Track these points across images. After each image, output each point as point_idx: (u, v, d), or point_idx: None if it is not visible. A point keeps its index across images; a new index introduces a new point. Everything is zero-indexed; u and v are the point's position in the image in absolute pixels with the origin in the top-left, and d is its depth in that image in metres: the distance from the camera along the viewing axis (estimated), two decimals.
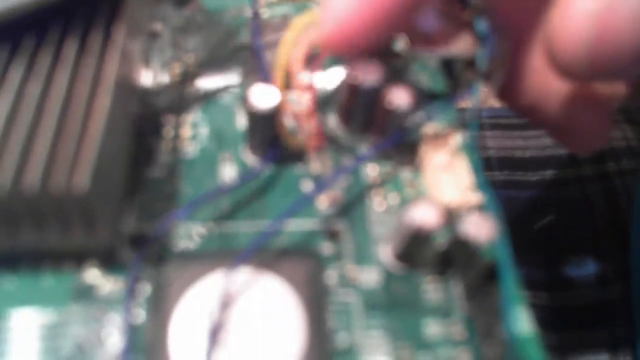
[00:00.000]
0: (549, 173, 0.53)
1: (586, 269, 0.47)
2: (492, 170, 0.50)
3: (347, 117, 0.28)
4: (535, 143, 0.54)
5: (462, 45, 0.29)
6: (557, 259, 0.46)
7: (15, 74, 0.21)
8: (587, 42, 0.18)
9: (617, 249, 0.45)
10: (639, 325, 0.41)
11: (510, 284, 0.21)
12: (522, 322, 0.23)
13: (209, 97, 0.30)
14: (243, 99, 0.30)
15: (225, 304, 0.21)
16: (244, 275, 0.22)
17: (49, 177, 0.19)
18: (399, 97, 0.26)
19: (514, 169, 0.51)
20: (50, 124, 0.20)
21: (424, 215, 0.22)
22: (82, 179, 0.19)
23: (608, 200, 0.48)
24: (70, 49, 0.23)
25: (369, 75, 0.26)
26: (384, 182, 0.27)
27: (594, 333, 0.45)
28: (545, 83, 0.28)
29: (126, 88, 0.25)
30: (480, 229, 0.22)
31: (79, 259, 0.22)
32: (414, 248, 0.23)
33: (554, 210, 0.50)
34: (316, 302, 0.22)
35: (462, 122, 0.30)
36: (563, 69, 0.20)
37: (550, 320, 0.47)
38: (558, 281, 0.46)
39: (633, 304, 0.42)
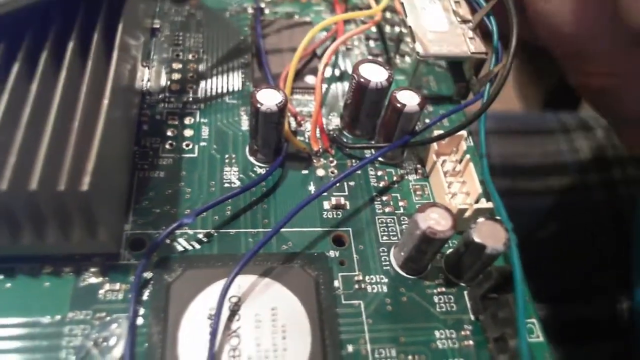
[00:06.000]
0: (552, 180, 0.52)
1: (585, 280, 0.47)
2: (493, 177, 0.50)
3: (353, 119, 0.28)
4: (539, 150, 0.53)
5: (471, 48, 0.29)
6: (560, 270, 0.46)
7: (16, 72, 0.20)
8: None
9: (621, 260, 0.44)
10: None
11: (524, 293, 0.20)
12: (534, 332, 0.22)
13: (210, 98, 0.29)
14: (249, 100, 0.29)
15: (232, 311, 0.21)
16: (250, 282, 0.21)
17: (50, 174, 0.18)
18: (408, 99, 0.25)
19: (516, 176, 0.50)
20: (51, 122, 0.19)
21: (436, 220, 0.21)
22: (84, 176, 0.18)
23: (613, 209, 0.48)
24: (70, 46, 0.22)
25: (377, 75, 0.26)
26: (391, 187, 0.27)
27: (596, 346, 0.44)
28: None
29: (126, 86, 0.24)
30: (493, 236, 0.21)
31: (80, 261, 0.21)
32: (424, 254, 0.22)
33: (557, 219, 0.49)
34: (323, 310, 0.21)
35: (470, 127, 0.29)
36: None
37: (551, 333, 0.46)
38: (560, 293, 0.46)
39: (635, 316, 0.42)
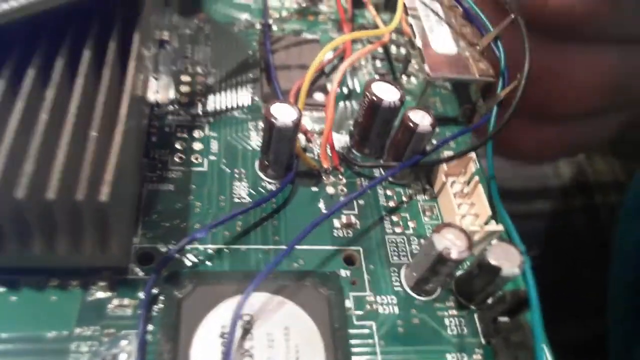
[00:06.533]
0: (536, 204, 0.53)
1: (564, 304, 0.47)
2: None
3: (363, 137, 0.28)
4: (523, 174, 0.54)
5: (479, 71, 0.29)
6: (542, 294, 0.46)
7: (33, 80, 0.20)
8: None
9: (599, 283, 0.45)
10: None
11: (540, 316, 0.20)
12: (544, 356, 0.22)
13: (219, 112, 0.29)
14: (260, 115, 0.29)
15: (245, 329, 0.20)
16: (262, 300, 0.21)
17: (67, 183, 0.17)
18: (420, 119, 0.25)
19: (502, 199, 0.51)
20: (68, 130, 0.18)
21: (451, 241, 0.21)
22: (102, 186, 0.17)
23: (594, 234, 0.49)
24: (86, 54, 0.21)
25: (390, 95, 0.26)
26: (400, 207, 0.27)
27: None
28: None
29: (140, 96, 0.24)
30: (507, 258, 0.21)
31: (87, 275, 0.21)
32: (439, 275, 0.22)
33: (540, 243, 0.49)
34: (335, 331, 0.21)
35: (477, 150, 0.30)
36: None
37: None
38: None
39: (609, 338, 0.42)
